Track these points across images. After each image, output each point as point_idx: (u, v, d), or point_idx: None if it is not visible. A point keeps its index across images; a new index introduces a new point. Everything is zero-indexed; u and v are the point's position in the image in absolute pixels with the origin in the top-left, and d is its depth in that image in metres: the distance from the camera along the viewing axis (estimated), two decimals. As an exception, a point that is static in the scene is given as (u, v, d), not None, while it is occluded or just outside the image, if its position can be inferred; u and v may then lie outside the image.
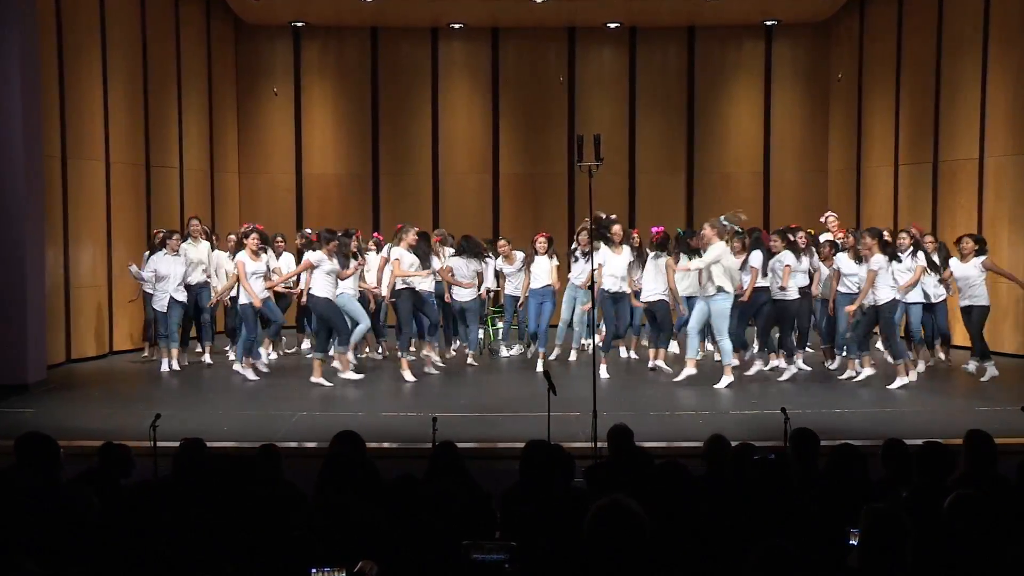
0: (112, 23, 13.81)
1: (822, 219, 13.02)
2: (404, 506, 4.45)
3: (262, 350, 12.30)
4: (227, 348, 13.25)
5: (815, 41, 16.99)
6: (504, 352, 13.40)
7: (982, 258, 11.27)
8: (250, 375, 11.65)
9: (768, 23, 16.82)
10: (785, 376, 11.40)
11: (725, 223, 11.15)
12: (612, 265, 11.65)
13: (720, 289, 10.89)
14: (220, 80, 16.46)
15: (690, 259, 11.17)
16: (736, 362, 11.41)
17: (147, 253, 12.71)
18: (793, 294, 11.43)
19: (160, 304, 12.21)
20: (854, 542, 4.27)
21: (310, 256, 11.42)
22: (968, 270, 11.29)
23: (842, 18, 16.48)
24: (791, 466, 5.46)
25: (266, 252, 12.03)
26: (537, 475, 5.09)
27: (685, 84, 17.13)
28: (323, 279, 11.24)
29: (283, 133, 17.11)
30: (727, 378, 10.97)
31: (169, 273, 12.16)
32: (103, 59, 13.68)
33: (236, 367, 11.88)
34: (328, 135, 17.20)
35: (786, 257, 11.39)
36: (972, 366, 11.37)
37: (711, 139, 17.20)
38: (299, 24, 16.77)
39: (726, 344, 11.08)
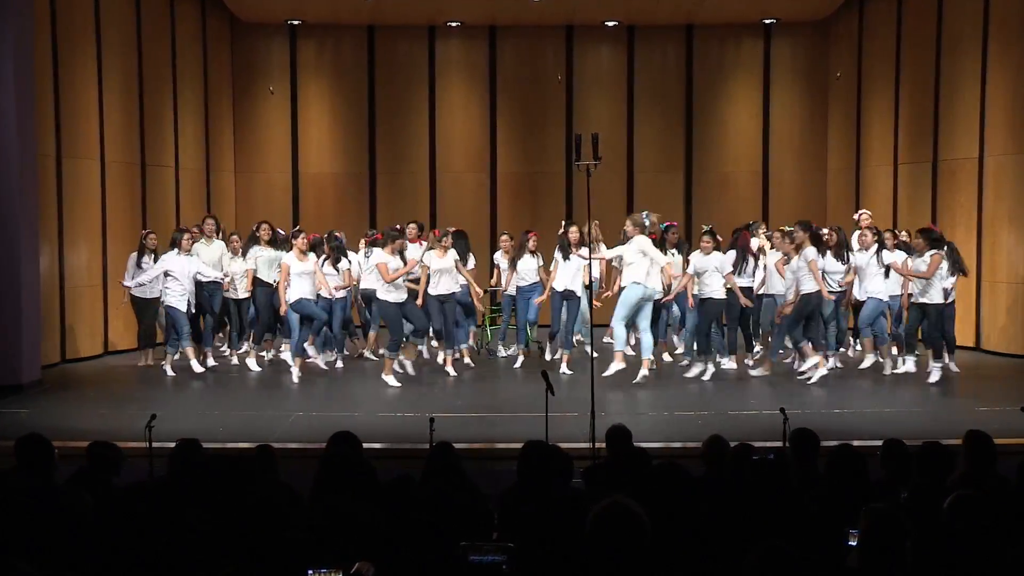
0: (107, 21, 13.75)
1: (855, 216, 12.63)
2: (401, 507, 4.43)
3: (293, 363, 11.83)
4: (222, 348, 13.17)
5: (814, 40, 16.96)
6: (502, 352, 13.36)
7: (933, 252, 10.94)
8: (321, 362, 11.84)
9: (767, 22, 16.78)
10: (756, 373, 11.49)
11: (646, 220, 11.26)
12: (566, 268, 11.87)
13: (632, 280, 10.96)
14: (216, 78, 16.41)
15: (665, 253, 11.55)
16: (628, 351, 11.43)
17: (134, 254, 12.54)
18: (719, 294, 11.32)
19: (178, 302, 11.84)
20: (854, 542, 4.25)
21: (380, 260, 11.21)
22: (919, 265, 11.05)
23: (841, 17, 16.45)
24: (790, 466, 5.44)
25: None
26: (535, 476, 5.06)
27: (683, 83, 17.10)
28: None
29: (279, 132, 17.06)
30: (616, 364, 10.95)
31: (181, 271, 11.88)
32: (98, 57, 13.62)
33: (313, 358, 11.84)
34: (325, 134, 17.16)
35: (724, 265, 11.34)
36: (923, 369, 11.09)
37: (710, 138, 17.16)
38: (295, 22, 16.73)
39: (619, 330, 11.13)
